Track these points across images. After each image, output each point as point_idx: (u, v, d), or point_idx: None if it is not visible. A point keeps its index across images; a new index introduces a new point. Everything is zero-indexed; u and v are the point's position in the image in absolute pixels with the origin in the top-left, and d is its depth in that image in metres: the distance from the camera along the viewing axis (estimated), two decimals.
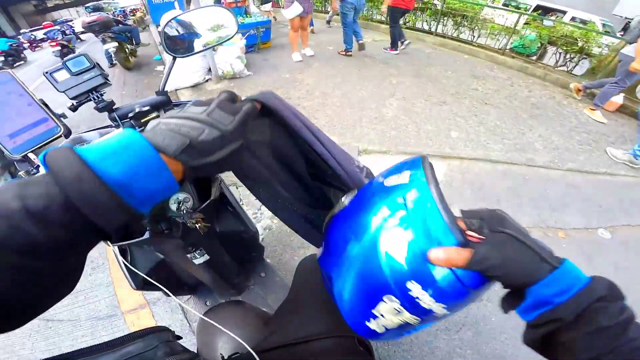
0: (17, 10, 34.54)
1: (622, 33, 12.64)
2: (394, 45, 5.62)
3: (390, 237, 0.38)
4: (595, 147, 3.35)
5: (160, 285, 0.77)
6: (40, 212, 0.25)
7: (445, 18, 6.74)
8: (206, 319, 0.51)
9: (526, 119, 3.71)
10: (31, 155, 0.60)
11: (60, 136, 0.62)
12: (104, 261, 1.99)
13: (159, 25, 4.93)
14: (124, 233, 0.30)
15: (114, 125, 0.71)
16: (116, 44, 6.02)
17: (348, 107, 3.56)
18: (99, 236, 0.29)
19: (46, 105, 0.63)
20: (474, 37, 6.40)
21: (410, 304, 0.37)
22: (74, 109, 0.70)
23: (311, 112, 3.39)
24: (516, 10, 6.17)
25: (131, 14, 16.35)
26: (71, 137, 0.66)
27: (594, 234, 2.37)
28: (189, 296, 1.41)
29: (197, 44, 0.81)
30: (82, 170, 0.26)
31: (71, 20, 21.49)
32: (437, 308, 0.36)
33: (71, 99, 0.68)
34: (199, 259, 0.98)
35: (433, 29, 6.89)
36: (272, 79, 4.23)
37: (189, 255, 0.97)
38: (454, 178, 2.69)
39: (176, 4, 5.36)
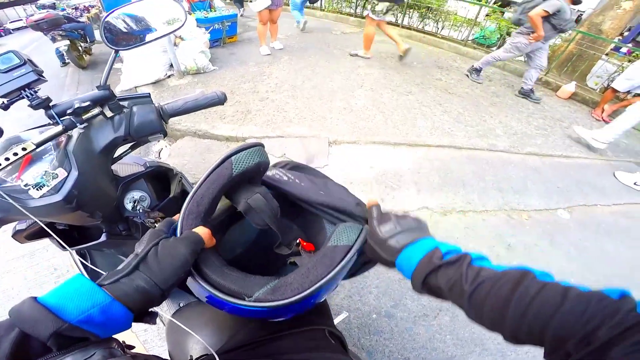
0: None
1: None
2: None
3: None
4: (551, 131, 3.55)
5: None
6: None
7: (411, 10, 6.86)
8: (174, 320, 0.50)
9: (487, 106, 3.87)
10: None
11: None
12: (68, 269, 1.89)
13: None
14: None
15: (52, 123, 0.67)
16: (67, 42, 5.74)
17: (318, 99, 3.55)
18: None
19: None
20: (438, 28, 6.55)
21: None
22: (4, 107, 0.64)
23: (280, 105, 3.35)
24: (477, 2, 6.38)
25: (85, 11, 15.62)
26: (6, 137, 0.61)
27: (554, 215, 2.51)
28: None
29: (143, 37, 0.76)
30: (27, 300, 0.35)
31: (20, 20, 20.11)
32: None
33: (0, 97, 0.64)
34: None
35: (399, 21, 6.98)
36: (239, 74, 4.13)
37: None
38: (422, 165, 2.76)
39: None
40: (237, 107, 3.30)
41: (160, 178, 0.93)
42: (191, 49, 4.08)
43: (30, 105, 0.63)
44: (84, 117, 0.66)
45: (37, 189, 0.57)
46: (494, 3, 9.12)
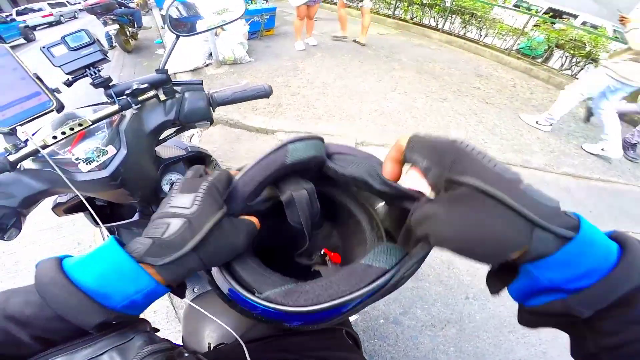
0: None
1: (621, 17, 12.43)
2: None
3: None
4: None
5: None
6: (19, 315, 0.29)
7: (454, 16, 6.64)
8: (193, 305, 0.50)
9: None
10: (19, 129, 0.58)
11: (52, 110, 0.60)
12: (91, 244, 1.99)
13: (162, 9, 4.85)
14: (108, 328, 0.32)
15: (109, 102, 0.70)
16: (117, 26, 6.01)
17: (348, 98, 3.53)
18: (80, 330, 0.31)
19: (40, 79, 0.60)
20: (480, 36, 6.32)
21: None
22: (69, 84, 0.68)
23: (310, 102, 3.36)
24: (527, 11, 6.09)
25: None
26: (64, 112, 0.65)
27: None
28: None
29: (200, 25, 0.80)
30: (57, 276, 0.30)
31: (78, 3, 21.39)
32: None
33: (67, 73, 0.66)
34: None
35: (440, 26, 6.79)
36: (274, 67, 4.18)
37: None
38: None
39: None
40: (269, 99, 3.34)
41: (196, 163, 0.95)
42: (230, 40, 4.19)
43: (92, 84, 0.67)
44: (139, 98, 0.69)
45: (86, 164, 0.60)
46: (544, 13, 8.70)
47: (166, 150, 0.88)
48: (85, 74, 0.66)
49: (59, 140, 0.58)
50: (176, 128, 0.82)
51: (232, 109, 3.14)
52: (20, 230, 0.61)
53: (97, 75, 0.66)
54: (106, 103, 0.72)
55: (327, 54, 4.83)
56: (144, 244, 0.34)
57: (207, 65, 4.23)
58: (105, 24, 6.05)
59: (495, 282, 0.29)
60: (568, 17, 10.59)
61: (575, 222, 0.24)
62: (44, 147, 0.57)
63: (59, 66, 0.64)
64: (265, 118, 3.07)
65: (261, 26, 5.54)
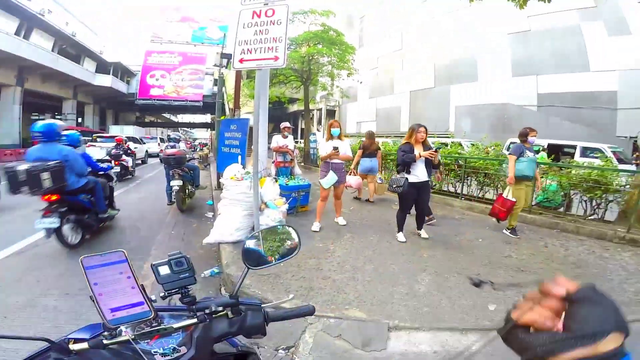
0: (125, 118, 42.73)
1: (637, 154, 12.21)
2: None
3: None
4: None
5: None
6: None
7: (469, 178, 7.02)
8: None
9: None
10: (122, 327, 0.78)
11: (150, 319, 0.79)
12: None
13: (222, 174, 5.46)
14: None
15: (189, 314, 0.88)
16: (181, 182, 6.27)
17: (379, 282, 3.57)
18: None
19: (144, 290, 0.80)
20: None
21: None
22: (163, 297, 0.91)
23: (341, 286, 3.44)
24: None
25: (199, 149, 17.95)
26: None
27: None
28: None
29: (266, 262, 1.10)
30: None
31: (154, 139, 25.20)
32: None
33: (166, 290, 0.88)
34: None
35: (459, 191, 7.15)
36: (307, 248, 4.41)
37: None
38: (496, 347, 2.39)
39: (239, 158, 5.80)
40: (302, 282, 3.50)
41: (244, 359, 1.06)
42: (272, 217, 4.56)
43: (181, 300, 0.88)
44: (213, 315, 0.88)
45: (161, 356, 0.78)
46: (546, 149, 9.04)
47: (219, 346, 0.99)
48: (177, 291, 0.88)
49: (147, 335, 0.78)
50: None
51: (266, 289, 3.28)
52: None
53: (186, 294, 0.88)
54: (184, 309, 0.92)
55: (356, 234, 5.06)
56: None
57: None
58: (172, 177, 6.27)
59: None
60: (568, 148, 11.00)
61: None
62: (134, 339, 0.76)
63: (162, 284, 0.87)
64: (297, 301, 3.12)
65: (297, 202, 5.89)
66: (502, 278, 3.66)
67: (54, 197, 4.05)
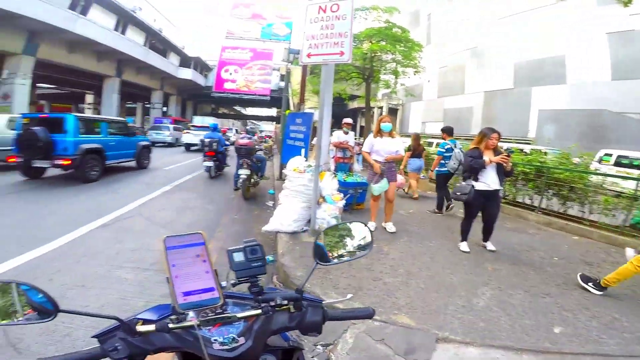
0: (202, 109, 47.39)
1: None
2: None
3: None
4: None
5: None
6: None
7: (550, 190, 6.30)
8: None
9: None
10: (190, 313, 0.79)
11: (218, 306, 0.80)
12: None
13: (285, 165, 5.68)
14: None
15: (253, 304, 0.88)
16: (249, 172, 6.73)
17: (434, 291, 3.37)
18: None
19: (217, 276, 0.82)
20: (584, 213, 5.78)
21: None
22: (234, 284, 0.92)
23: (391, 290, 3.32)
24: (629, 176, 5.38)
25: (264, 141, 18.37)
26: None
27: None
28: None
29: (336, 257, 1.07)
30: None
31: (231, 129, 27.15)
32: None
33: (238, 278, 0.90)
34: None
35: (536, 204, 6.45)
36: None
37: None
38: None
39: (302, 151, 5.90)
40: (351, 280, 3.46)
41: (291, 354, 1.05)
42: (328, 212, 4.60)
43: (249, 288, 0.90)
44: (276, 308, 0.88)
45: (220, 344, 0.77)
46: None
47: (272, 339, 0.99)
48: (248, 280, 0.90)
49: (210, 322, 0.79)
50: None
51: (315, 283, 3.29)
52: None
53: (255, 284, 0.90)
54: (248, 298, 0.92)
55: (413, 239, 4.84)
56: None
57: (304, 231, 4.60)
58: (241, 166, 6.83)
59: None
60: None
61: None
62: (199, 326, 0.77)
63: (235, 270, 0.90)
64: (354, 303, 3.05)
65: (354, 199, 5.87)
66: (575, 300, 3.24)
67: (212, 153, 9.39)
